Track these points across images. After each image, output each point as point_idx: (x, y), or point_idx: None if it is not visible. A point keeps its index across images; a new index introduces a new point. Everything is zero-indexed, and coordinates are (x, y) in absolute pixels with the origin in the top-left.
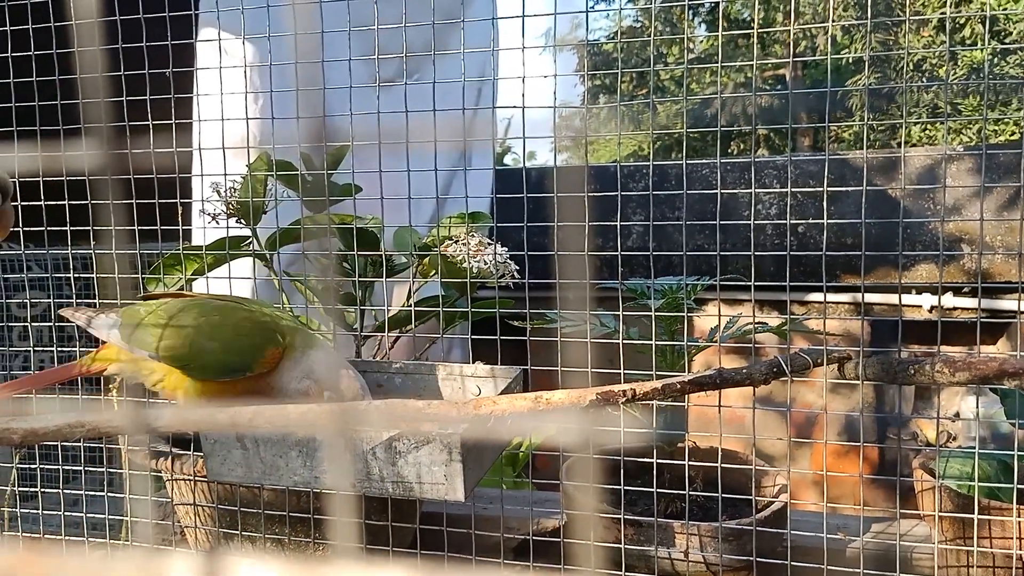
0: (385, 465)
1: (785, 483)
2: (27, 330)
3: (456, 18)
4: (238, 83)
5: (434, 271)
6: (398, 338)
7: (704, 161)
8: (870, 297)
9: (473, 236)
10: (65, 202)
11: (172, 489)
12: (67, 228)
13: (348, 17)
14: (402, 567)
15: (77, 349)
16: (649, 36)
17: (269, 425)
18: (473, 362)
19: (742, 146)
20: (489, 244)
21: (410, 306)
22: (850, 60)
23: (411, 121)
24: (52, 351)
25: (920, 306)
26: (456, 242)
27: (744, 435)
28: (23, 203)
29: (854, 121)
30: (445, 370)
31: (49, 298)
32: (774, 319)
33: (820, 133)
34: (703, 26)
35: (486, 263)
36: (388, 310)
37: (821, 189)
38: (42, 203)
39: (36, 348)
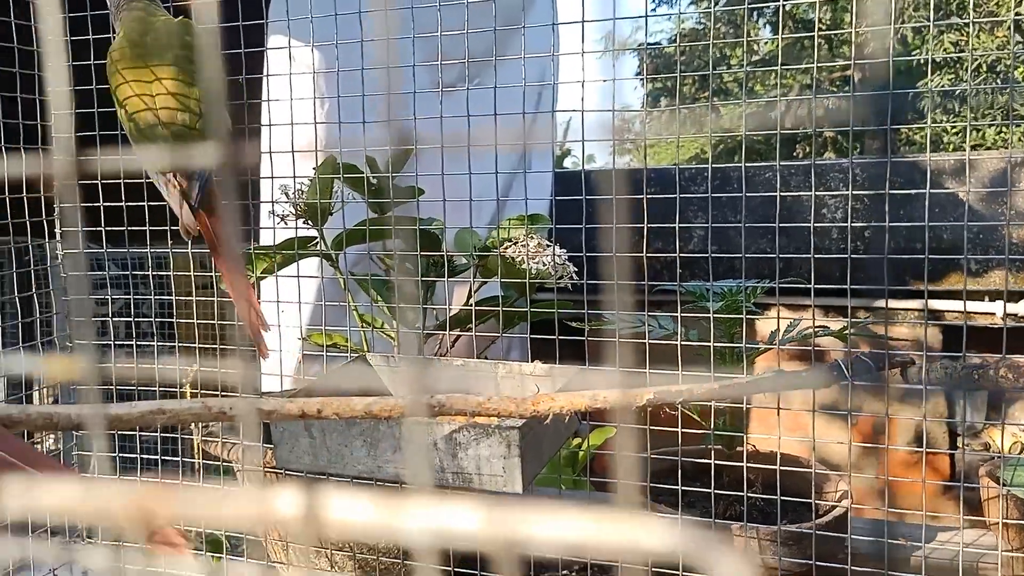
0: (446, 456)
1: (847, 489)
2: (105, 325)
3: (517, 23)
4: (306, 89)
5: (494, 272)
6: (459, 337)
7: (764, 164)
8: (943, 304)
9: (532, 238)
10: (144, 203)
11: (242, 480)
12: (146, 228)
13: (412, 24)
14: (471, 502)
15: (154, 344)
16: (711, 38)
17: (335, 414)
18: (532, 361)
19: (808, 149)
20: (548, 246)
21: (470, 306)
22: (921, 61)
23: (472, 125)
24: (131, 345)
25: (993, 313)
26: (515, 244)
27: (807, 440)
28: (105, 204)
29: (919, 124)
30: (504, 368)
31: (128, 295)
32: (837, 323)
33: (893, 135)
34: (767, 27)
35: (545, 264)
36: (449, 309)
37: (883, 192)
38: (123, 204)
39: (115, 343)
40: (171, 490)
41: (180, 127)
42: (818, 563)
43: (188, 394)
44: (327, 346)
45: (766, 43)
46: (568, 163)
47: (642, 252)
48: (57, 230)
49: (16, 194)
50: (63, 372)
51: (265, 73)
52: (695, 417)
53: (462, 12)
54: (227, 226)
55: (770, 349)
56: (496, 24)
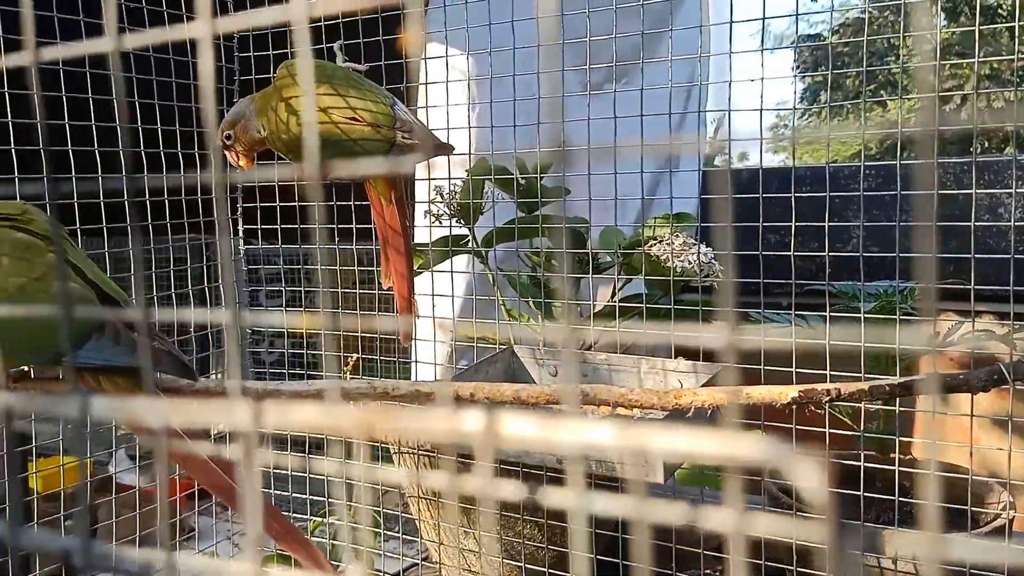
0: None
1: (1011, 500)
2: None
3: (666, 23)
4: (460, 95)
5: (639, 270)
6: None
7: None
8: None
9: (678, 236)
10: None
11: (398, 463)
12: (298, 227)
13: (562, 30)
14: (609, 422)
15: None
16: (876, 28)
17: (487, 395)
18: (675, 358)
19: (986, 144)
20: (694, 244)
21: (615, 303)
22: None
23: (620, 126)
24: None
25: None
26: (660, 242)
27: (967, 447)
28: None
29: None
30: (648, 363)
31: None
32: (1006, 328)
33: None
34: (942, 15)
35: (690, 263)
36: (593, 307)
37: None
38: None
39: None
40: (387, 411)
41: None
42: (972, 571)
43: (348, 378)
44: (476, 338)
45: (944, 31)
46: (719, 161)
47: (790, 251)
48: (240, 228)
49: (206, 195)
50: (308, 324)
51: (423, 81)
52: (845, 419)
53: (610, 15)
54: (404, 220)
55: (927, 352)
56: (644, 26)
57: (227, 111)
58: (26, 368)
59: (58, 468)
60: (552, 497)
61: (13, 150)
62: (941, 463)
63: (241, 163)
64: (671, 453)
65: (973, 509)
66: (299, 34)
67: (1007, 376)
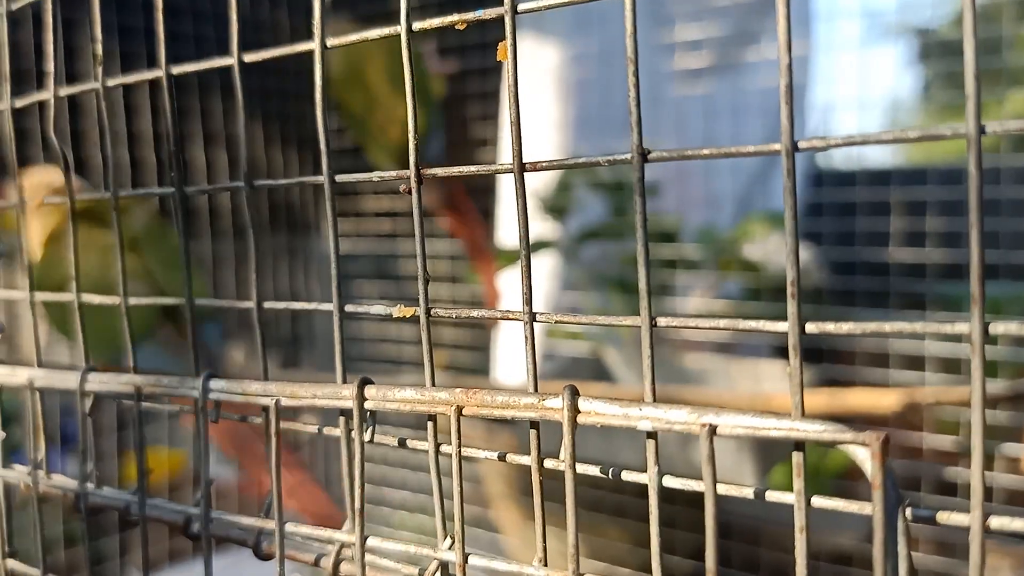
0: (675, 447)
1: None
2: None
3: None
4: (548, 92)
5: (735, 270)
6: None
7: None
8: None
9: (777, 238)
10: None
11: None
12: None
13: (654, 24)
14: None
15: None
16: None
17: None
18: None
19: None
20: None
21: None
22: None
23: (718, 121)
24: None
25: None
26: (760, 243)
27: None
28: None
29: None
30: (739, 366)
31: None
32: None
33: None
34: None
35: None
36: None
37: None
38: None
39: None
40: (476, 391)
41: None
42: None
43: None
44: (565, 339)
45: None
46: (820, 158)
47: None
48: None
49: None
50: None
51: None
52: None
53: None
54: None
55: None
56: (740, 23)
57: None
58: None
59: (161, 458)
60: (629, 475)
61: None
62: None
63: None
64: (738, 431)
65: None
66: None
67: None
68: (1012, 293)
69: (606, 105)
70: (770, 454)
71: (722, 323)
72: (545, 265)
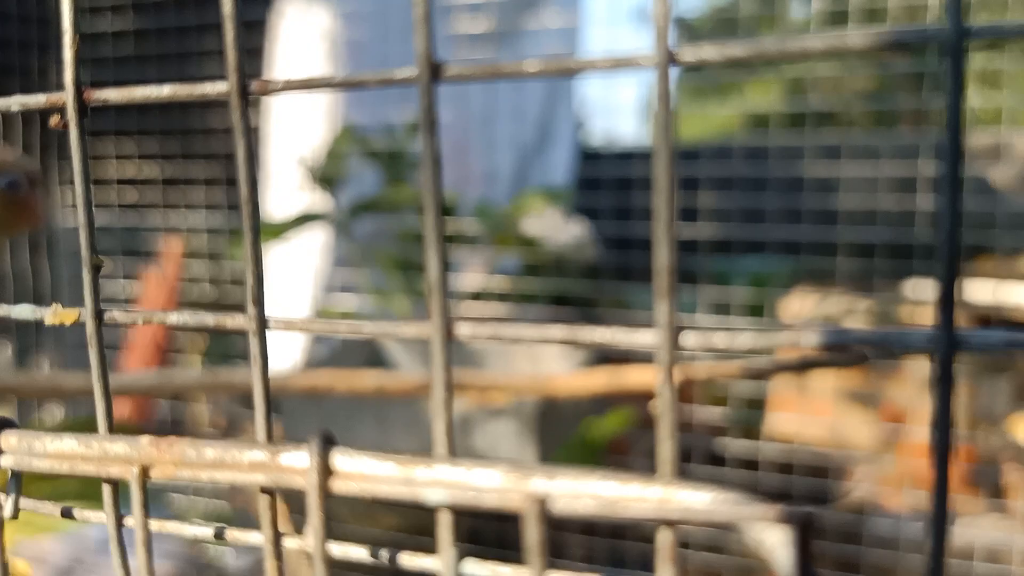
0: (457, 434)
1: (865, 481)
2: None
3: None
4: (318, 53)
5: (512, 246)
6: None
7: (795, 144)
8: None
9: (553, 213)
10: None
11: None
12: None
13: None
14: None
15: None
16: (743, 14)
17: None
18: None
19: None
20: (569, 222)
21: (486, 281)
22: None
23: (491, 98)
24: None
25: None
26: (536, 218)
27: (831, 425)
28: None
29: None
30: (519, 346)
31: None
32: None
33: (931, 116)
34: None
35: (566, 241)
36: (463, 284)
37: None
38: None
39: None
40: (173, 444)
41: None
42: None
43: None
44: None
45: (804, 18)
46: (594, 136)
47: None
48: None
49: None
50: None
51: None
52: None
53: None
54: None
55: (791, 328)
56: None
57: None
58: None
59: None
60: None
61: None
62: (803, 441)
63: None
64: (582, 502)
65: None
66: None
67: (866, 352)
68: (775, 268)
69: (383, 67)
70: (554, 439)
71: (529, 332)
72: (316, 239)
